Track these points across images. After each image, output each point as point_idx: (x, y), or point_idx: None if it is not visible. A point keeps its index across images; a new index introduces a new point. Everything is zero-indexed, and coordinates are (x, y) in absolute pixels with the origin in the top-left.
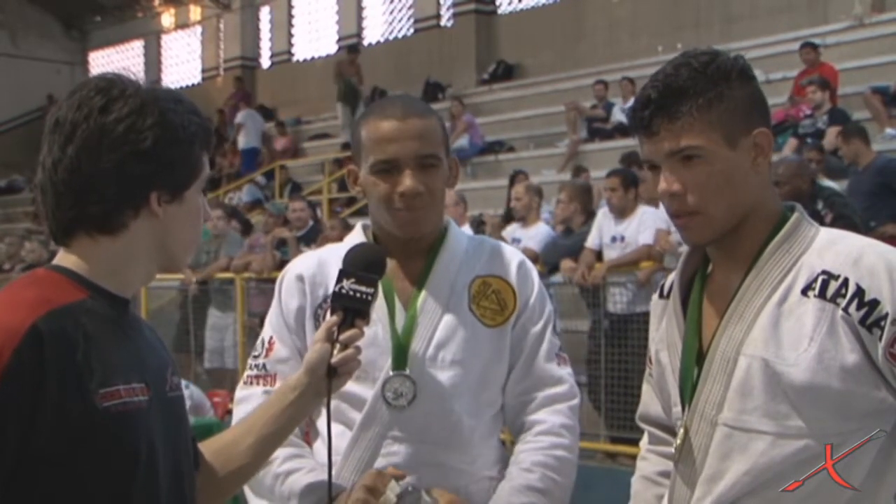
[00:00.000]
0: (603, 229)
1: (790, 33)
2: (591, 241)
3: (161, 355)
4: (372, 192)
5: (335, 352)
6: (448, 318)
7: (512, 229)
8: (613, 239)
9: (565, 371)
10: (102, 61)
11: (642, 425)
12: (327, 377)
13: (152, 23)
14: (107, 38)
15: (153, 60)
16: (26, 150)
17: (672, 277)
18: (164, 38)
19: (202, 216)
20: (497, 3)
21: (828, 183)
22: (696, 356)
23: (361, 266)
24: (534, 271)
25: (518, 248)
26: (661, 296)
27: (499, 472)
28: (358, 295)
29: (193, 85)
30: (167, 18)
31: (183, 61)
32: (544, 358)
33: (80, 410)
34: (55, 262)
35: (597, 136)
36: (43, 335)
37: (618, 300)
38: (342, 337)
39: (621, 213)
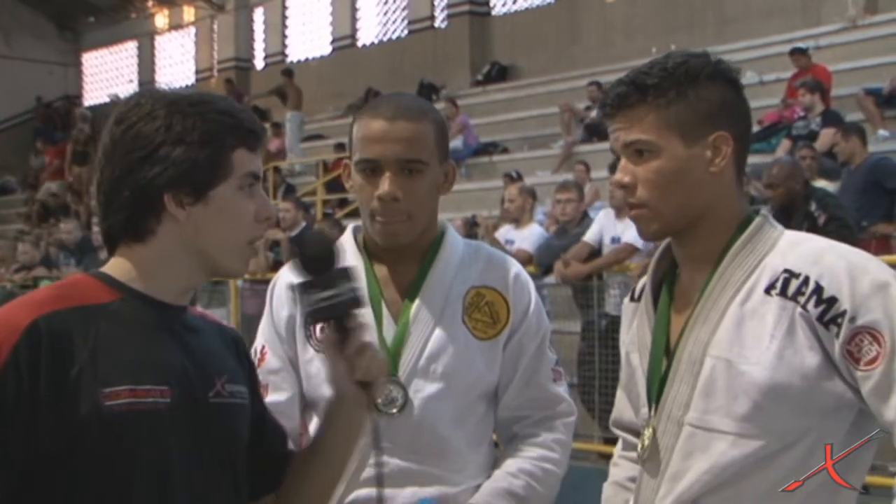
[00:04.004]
0: (604, 229)
1: (784, 35)
2: (591, 237)
3: (214, 360)
4: (356, 191)
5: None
6: (441, 330)
7: (505, 230)
8: (613, 240)
9: (562, 388)
10: (96, 62)
11: (616, 431)
12: (364, 389)
13: (146, 24)
14: (100, 39)
15: (147, 61)
16: (19, 152)
17: (643, 280)
18: (158, 39)
19: (244, 216)
20: (491, 4)
21: (822, 184)
22: (663, 357)
23: (311, 269)
24: (530, 283)
25: (511, 249)
26: (632, 299)
27: (486, 479)
28: (326, 303)
29: (187, 86)
30: (161, 19)
31: (177, 62)
32: (543, 376)
33: (80, 408)
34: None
35: (595, 136)
36: (42, 332)
37: (618, 300)
38: (347, 353)
39: (621, 210)
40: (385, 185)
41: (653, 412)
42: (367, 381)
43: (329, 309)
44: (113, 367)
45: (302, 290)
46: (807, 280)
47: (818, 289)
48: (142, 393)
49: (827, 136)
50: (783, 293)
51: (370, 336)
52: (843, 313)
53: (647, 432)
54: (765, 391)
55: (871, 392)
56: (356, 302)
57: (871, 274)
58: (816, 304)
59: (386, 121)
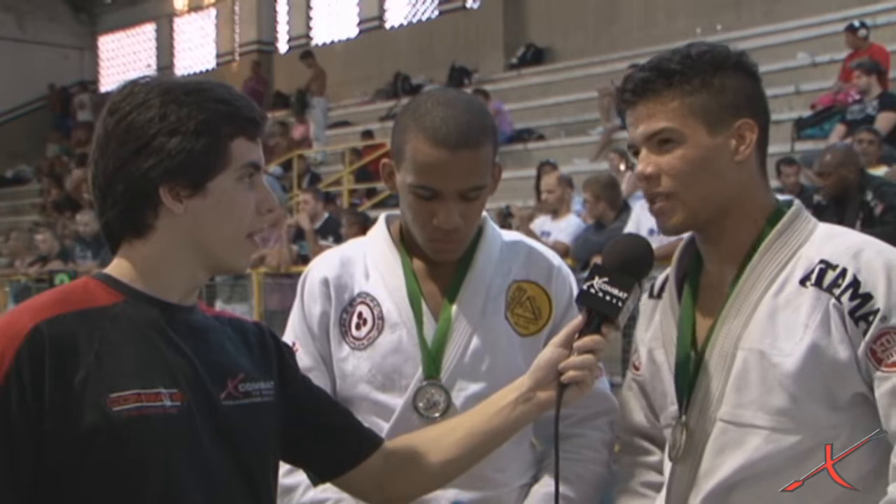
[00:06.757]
0: (641, 221)
1: (838, 13)
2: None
3: (226, 360)
4: (406, 205)
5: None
6: (484, 327)
7: (541, 221)
8: (651, 231)
9: (604, 384)
10: (112, 46)
11: (623, 437)
12: (557, 385)
13: (164, 5)
14: (117, 21)
15: (165, 45)
16: (33, 139)
17: (662, 277)
18: (177, 22)
19: (245, 208)
20: None
21: (883, 171)
22: (691, 352)
23: (619, 263)
24: (570, 276)
25: (548, 241)
26: (650, 296)
27: (531, 479)
28: (608, 298)
29: (208, 70)
30: (180, 0)
31: (196, 46)
32: None
33: (87, 415)
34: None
35: None
36: (45, 337)
37: None
38: (579, 343)
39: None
40: (446, 215)
41: (683, 409)
42: (569, 381)
43: (607, 305)
44: (119, 371)
45: (599, 271)
46: (844, 272)
47: (855, 282)
48: (151, 397)
49: (886, 121)
50: (818, 284)
51: (387, 348)
52: (875, 311)
53: (682, 431)
54: (800, 382)
55: (886, 394)
56: (624, 316)
57: None
58: (851, 298)
59: (448, 151)
